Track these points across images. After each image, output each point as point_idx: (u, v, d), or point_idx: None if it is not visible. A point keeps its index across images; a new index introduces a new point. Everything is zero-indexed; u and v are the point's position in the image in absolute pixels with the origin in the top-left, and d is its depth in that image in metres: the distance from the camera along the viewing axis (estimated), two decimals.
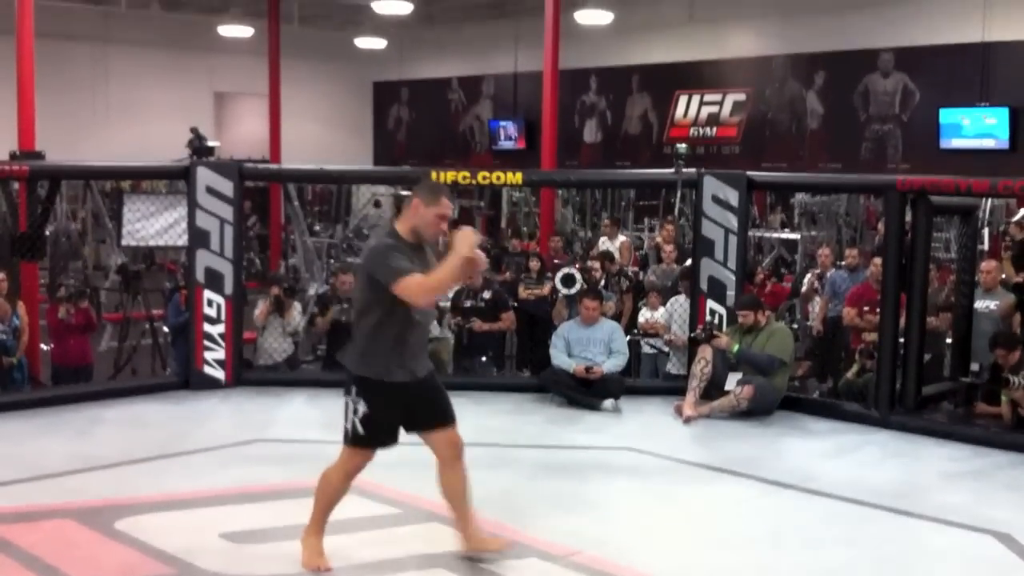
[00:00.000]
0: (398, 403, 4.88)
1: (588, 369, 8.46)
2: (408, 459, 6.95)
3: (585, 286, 9.24)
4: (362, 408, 4.84)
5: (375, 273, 4.71)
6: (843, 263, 10.85)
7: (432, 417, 4.99)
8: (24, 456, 6.80)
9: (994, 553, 5.51)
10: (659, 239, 12.12)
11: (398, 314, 4.74)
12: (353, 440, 4.93)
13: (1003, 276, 9.12)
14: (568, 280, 9.31)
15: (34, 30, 10.01)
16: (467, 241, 4.62)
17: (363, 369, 4.84)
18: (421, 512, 5.86)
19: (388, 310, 4.73)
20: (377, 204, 16.90)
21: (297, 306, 9.68)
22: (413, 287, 4.63)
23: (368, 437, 4.89)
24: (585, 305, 8.76)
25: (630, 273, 10.88)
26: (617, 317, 9.81)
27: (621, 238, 12.90)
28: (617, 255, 11.38)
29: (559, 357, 8.64)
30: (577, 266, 9.93)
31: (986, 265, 8.94)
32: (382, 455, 6.99)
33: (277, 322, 9.39)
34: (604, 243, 12.73)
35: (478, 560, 5.12)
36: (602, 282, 10.25)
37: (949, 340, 9.02)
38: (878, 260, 8.91)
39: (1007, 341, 7.94)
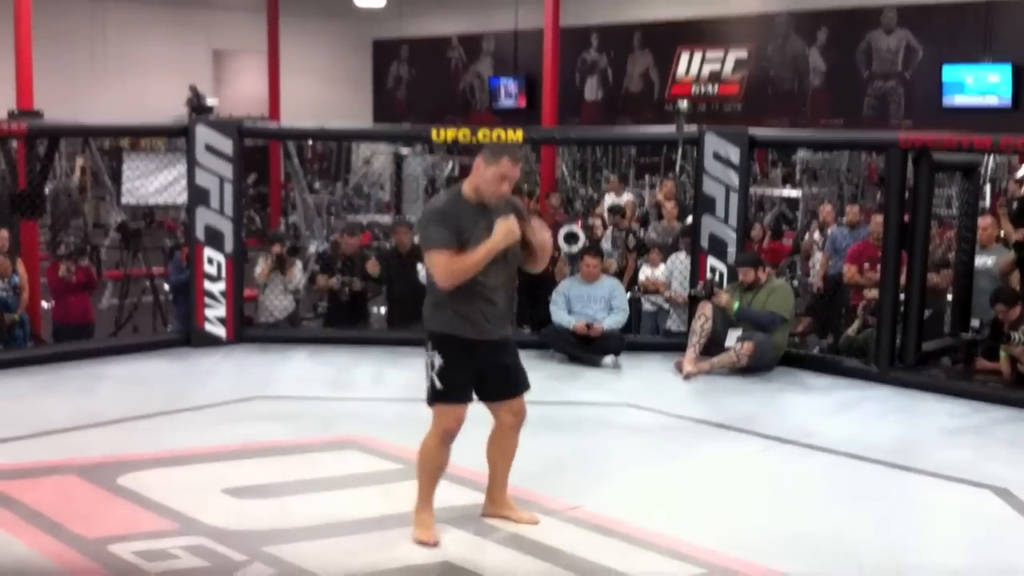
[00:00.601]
0: (470, 359, 4.75)
1: (588, 326, 8.47)
2: (410, 418, 7.00)
3: (587, 244, 9.23)
4: (438, 361, 4.73)
5: (419, 235, 4.71)
6: (844, 220, 10.84)
7: (501, 390, 4.90)
8: (26, 413, 6.82)
9: (992, 508, 5.54)
10: (660, 196, 12.09)
11: None
12: (434, 396, 4.77)
13: (1001, 233, 9.09)
14: (571, 238, 9.30)
15: None
16: (504, 230, 4.53)
17: (433, 323, 4.75)
18: None
19: None
20: (367, 162, 16.87)
21: (298, 264, 9.68)
22: (439, 265, 4.57)
23: (446, 391, 4.74)
24: (586, 262, 8.75)
25: (636, 229, 10.85)
26: (620, 274, 9.81)
27: (626, 195, 12.87)
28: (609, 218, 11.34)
29: (559, 314, 8.64)
30: (579, 223, 9.91)
31: (982, 221, 8.91)
32: (382, 412, 7.07)
33: (278, 280, 9.39)
34: (610, 199, 12.71)
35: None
36: (610, 239, 10.23)
37: (950, 297, 9.02)
38: (879, 217, 8.89)
39: (1007, 297, 7.94)
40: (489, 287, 4.68)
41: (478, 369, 4.79)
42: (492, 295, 4.71)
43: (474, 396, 4.85)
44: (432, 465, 4.86)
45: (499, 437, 4.99)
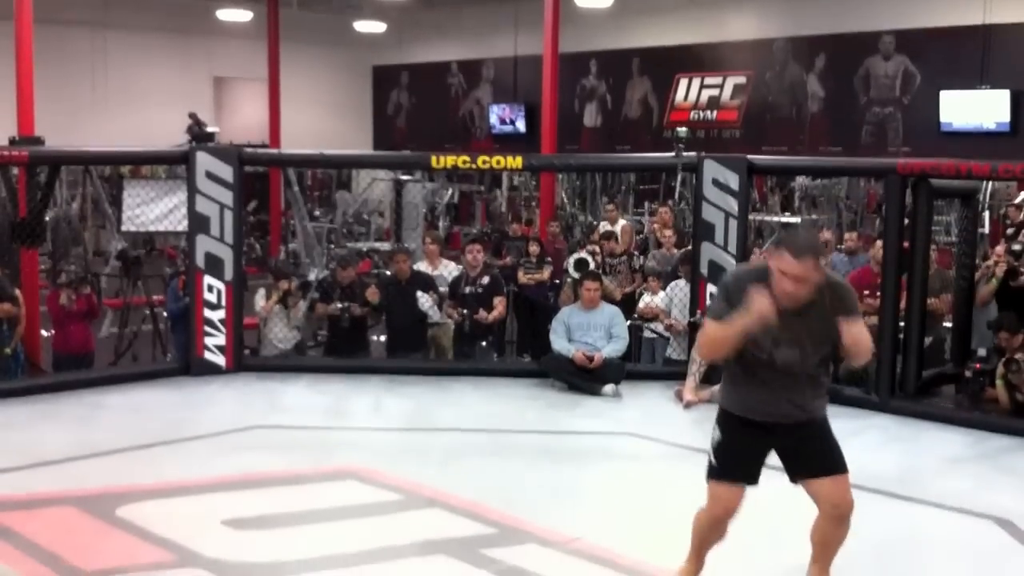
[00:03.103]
0: (747, 439, 4.45)
1: (589, 358, 8.46)
2: (409, 447, 6.99)
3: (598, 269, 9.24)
4: (716, 436, 4.50)
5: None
6: (842, 247, 10.84)
7: (807, 468, 4.47)
8: (25, 443, 6.81)
9: (995, 538, 5.52)
10: (655, 224, 12.11)
11: (743, 351, 4.33)
12: (708, 472, 4.52)
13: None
14: (581, 264, 9.30)
15: (33, 16, 9.97)
16: (755, 309, 4.14)
17: (720, 396, 4.57)
18: (422, 499, 5.86)
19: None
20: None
21: (302, 301, 9.63)
22: (701, 336, 4.44)
23: (720, 468, 4.48)
24: (586, 287, 8.75)
25: (636, 256, 10.84)
26: (624, 299, 9.76)
27: (622, 222, 12.88)
28: (619, 238, 11.35)
29: (559, 342, 8.63)
30: (586, 250, 9.92)
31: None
32: (381, 441, 7.05)
33: (283, 314, 9.37)
34: (604, 227, 12.71)
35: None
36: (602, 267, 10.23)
37: (949, 324, 9.02)
38: (879, 243, 8.89)
39: (1011, 324, 7.93)
40: (768, 369, 4.32)
41: (765, 451, 4.48)
42: (770, 379, 4.33)
43: (753, 480, 4.49)
44: (704, 537, 4.65)
45: (820, 522, 4.56)
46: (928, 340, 8.70)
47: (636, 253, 11.08)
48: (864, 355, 4.35)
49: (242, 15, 19.90)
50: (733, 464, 4.47)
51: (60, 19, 18.50)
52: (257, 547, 5.15)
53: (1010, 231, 10.61)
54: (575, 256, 9.55)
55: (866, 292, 9.12)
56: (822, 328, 4.25)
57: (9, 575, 4.66)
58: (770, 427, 4.41)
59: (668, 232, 11.09)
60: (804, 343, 4.28)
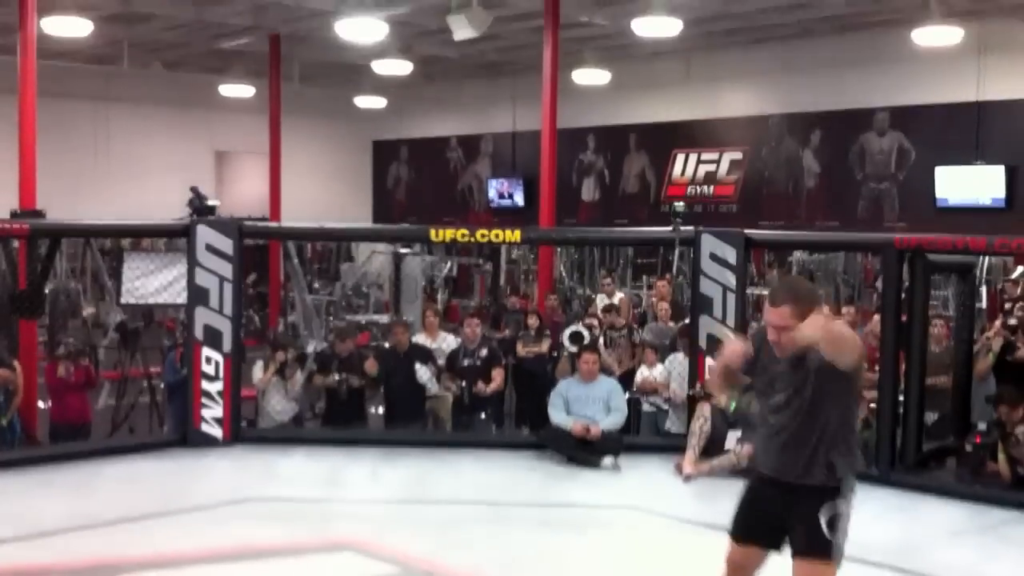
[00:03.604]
0: (755, 495, 4.38)
1: (587, 429, 8.43)
2: (407, 519, 6.94)
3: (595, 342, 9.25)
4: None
5: None
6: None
7: (789, 543, 4.25)
8: (18, 513, 6.75)
9: None
10: (654, 297, 12.14)
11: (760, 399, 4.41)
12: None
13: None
14: (576, 337, 9.32)
15: (36, 89, 10.10)
16: (726, 348, 4.36)
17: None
18: (419, 572, 5.81)
19: None
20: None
21: (299, 372, 9.61)
22: None
23: (731, 520, 4.41)
24: (584, 359, 8.75)
25: (636, 329, 10.86)
26: (625, 374, 9.75)
27: (619, 295, 12.91)
28: (603, 316, 11.36)
29: (558, 415, 8.61)
30: (582, 323, 9.94)
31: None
32: (379, 513, 7.01)
33: (280, 385, 9.35)
34: (602, 300, 12.74)
35: None
36: (601, 339, 10.23)
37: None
38: (876, 318, 8.92)
39: (1011, 398, 7.92)
40: (772, 415, 4.27)
41: (770, 509, 4.29)
42: (773, 428, 4.26)
43: (750, 535, 4.34)
44: None
45: None
46: (935, 416, 8.72)
47: (635, 326, 11.10)
48: (838, 350, 3.97)
49: (244, 90, 20.13)
50: (735, 516, 4.39)
51: (63, 93, 18.72)
52: None
53: (1008, 306, 10.65)
54: (570, 329, 9.56)
55: (865, 366, 9.13)
56: (815, 378, 4.09)
57: None
58: (775, 483, 4.25)
59: (664, 304, 11.12)
60: (794, 392, 4.16)
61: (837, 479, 4.16)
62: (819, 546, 4.09)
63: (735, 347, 4.23)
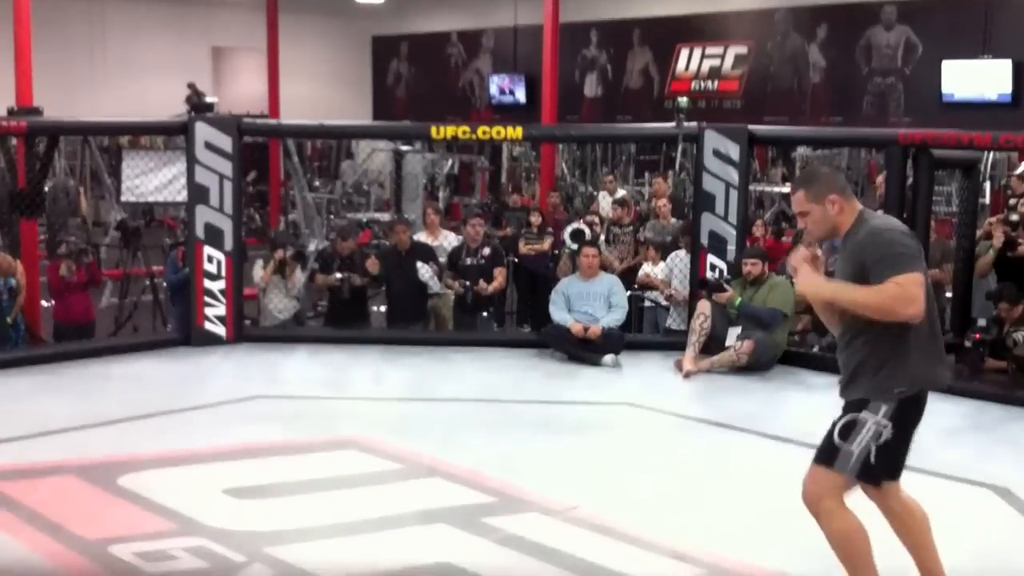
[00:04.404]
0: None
1: (585, 329, 8.46)
2: (410, 418, 7.01)
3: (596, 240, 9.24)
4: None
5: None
6: None
7: None
8: (26, 413, 6.81)
9: (993, 508, 5.54)
10: (652, 195, 12.11)
11: None
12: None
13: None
14: (577, 235, 9.29)
15: None
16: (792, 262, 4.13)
17: None
18: (422, 469, 5.88)
19: None
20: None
21: (299, 269, 9.63)
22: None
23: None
24: (584, 253, 8.74)
25: (640, 227, 10.84)
26: (630, 270, 9.76)
27: (620, 192, 12.86)
28: (612, 210, 11.34)
29: (558, 313, 8.63)
30: (583, 220, 9.91)
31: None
32: (381, 412, 7.09)
33: (280, 283, 9.37)
34: (604, 197, 12.71)
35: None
36: (603, 236, 10.23)
37: (949, 294, 9.02)
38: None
39: (1011, 295, 7.93)
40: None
41: None
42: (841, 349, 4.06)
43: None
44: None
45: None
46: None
47: (637, 224, 11.07)
48: (881, 313, 3.78)
49: None
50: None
51: None
52: (258, 516, 5.17)
53: (1012, 201, 10.60)
54: (571, 227, 9.53)
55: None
56: (845, 275, 3.95)
57: None
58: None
59: (663, 202, 11.08)
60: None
61: (863, 395, 3.90)
62: (823, 451, 3.95)
63: (797, 255, 4.08)
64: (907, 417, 3.89)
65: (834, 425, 3.92)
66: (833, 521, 3.93)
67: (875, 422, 3.84)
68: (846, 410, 3.92)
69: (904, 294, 3.73)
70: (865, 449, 3.85)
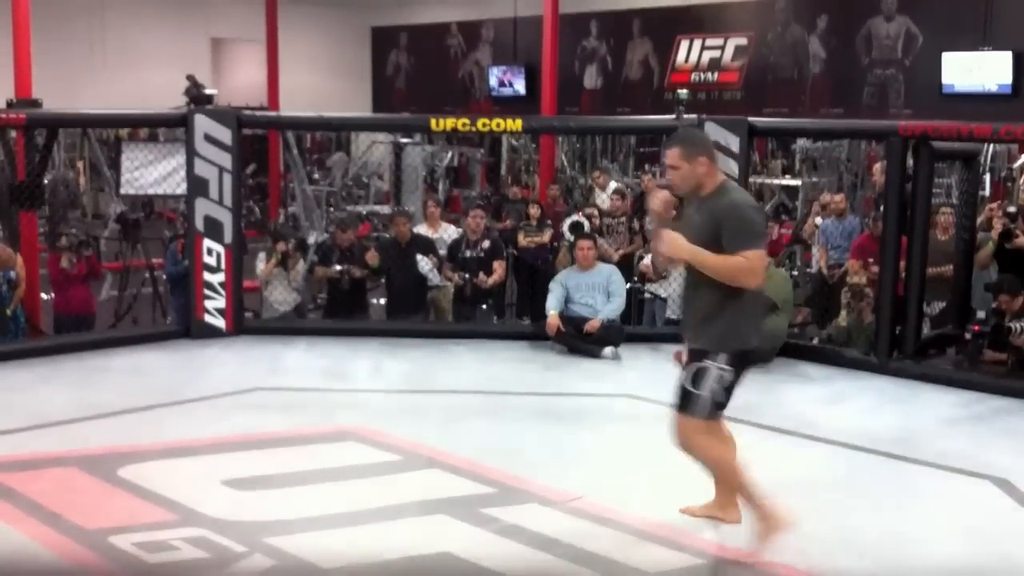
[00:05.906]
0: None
1: (584, 322, 8.46)
2: (409, 408, 7.02)
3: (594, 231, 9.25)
4: None
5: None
6: (831, 209, 10.80)
7: None
8: (26, 404, 6.83)
9: (992, 498, 5.55)
10: (646, 186, 12.08)
11: None
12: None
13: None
14: (576, 228, 9.29)
15: None
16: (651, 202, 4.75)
17: None
18: (421, 459, 5.89)
19: None
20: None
21: (301, 261, 9.64)
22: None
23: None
24: (579, 246, 8.75)
25: (635, 218, 10.83)
26: (626, 259, 9.75)
27: (613, 184, 12.85)
28: (611, 201, 11.32)
29: (550, 300, 8.62)
30: (582, 213, 9.92)
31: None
32: (381, 403, 7.09)
33: (283, 276, 9.37)
34: (598, 194, 12.70)
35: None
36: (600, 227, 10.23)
37: None
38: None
39: (1011, 287, 7.93)
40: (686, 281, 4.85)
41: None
42: (686, 283, 4.84)
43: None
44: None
45: None
46: (942, 304, 8.75)
47: (631, 214, 11.06)
48: (729, 279, 4.48)
49: None
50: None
51: None
52: (258, 506, 5.18)
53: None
54: (570, 219, 9.53)
55: (871, 260, 9.12)
56: (700, 229, 4.53)
57: None
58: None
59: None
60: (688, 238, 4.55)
61: (706, 347, 4.59)
62: (682, 399, 4.65)
63: (656, 197, 4.66)
64: (742, 363, 4.64)
65: (686, 374, 4.63)
66: (710, 452, 4.73)
67: (718, 368, 4.58)
68: (692, 357, 4.64)
69: (750, 267, 4.47)
70: (712, 393, 4.60)
